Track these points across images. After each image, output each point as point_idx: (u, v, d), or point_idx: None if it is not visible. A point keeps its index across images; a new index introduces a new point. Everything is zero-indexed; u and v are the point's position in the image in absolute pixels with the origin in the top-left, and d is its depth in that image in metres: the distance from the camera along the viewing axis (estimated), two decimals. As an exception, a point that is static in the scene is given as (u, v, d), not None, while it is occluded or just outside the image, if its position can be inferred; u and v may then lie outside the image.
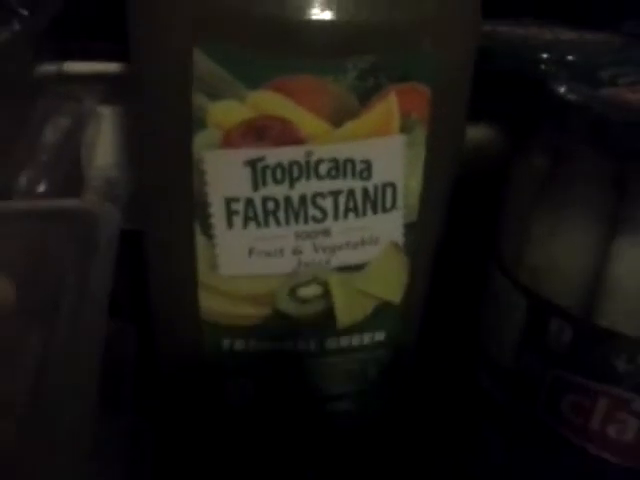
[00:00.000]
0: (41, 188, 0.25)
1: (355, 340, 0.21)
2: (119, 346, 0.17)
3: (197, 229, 0.19)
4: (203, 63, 0.16)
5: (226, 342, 0.20)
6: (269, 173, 0.18)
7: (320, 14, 0.16)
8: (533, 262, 0.17)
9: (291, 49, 0.16)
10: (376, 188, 0.18)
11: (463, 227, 0.21)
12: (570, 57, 0.22)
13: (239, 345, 0.20)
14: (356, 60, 0.17)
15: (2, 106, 0.27)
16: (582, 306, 0.16)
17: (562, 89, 0.16)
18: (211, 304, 0.20)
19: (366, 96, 0.17)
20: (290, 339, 0.20)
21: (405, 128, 0.18)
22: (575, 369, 0.16)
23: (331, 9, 0.16)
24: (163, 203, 0.19)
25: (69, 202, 0.16)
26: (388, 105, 0.17)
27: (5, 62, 0.27)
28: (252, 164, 0.17)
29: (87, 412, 0.13)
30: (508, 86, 0.21)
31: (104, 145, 0.33)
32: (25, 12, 0.29)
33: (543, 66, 0.21)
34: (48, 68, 0.31)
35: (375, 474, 0.23)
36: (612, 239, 0.15)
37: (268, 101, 0.17)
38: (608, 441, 0.16)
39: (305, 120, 0.17)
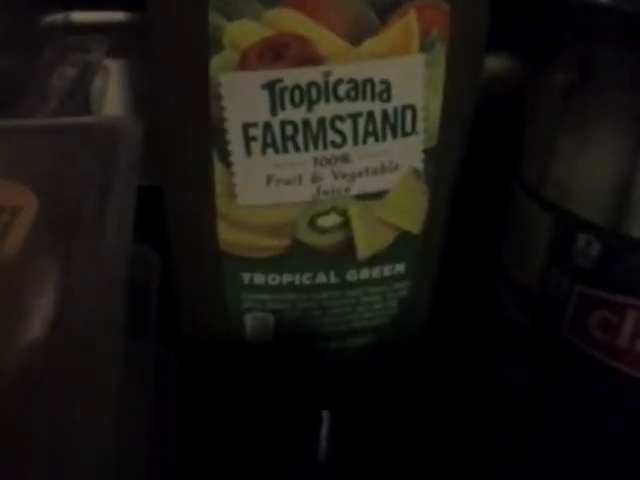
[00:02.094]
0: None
1: (375, 272, 0.21)
2: (143, 270, 0.17)
3: (215, 157, 0.18)
4: (218, -19, 0.16)
5: (246, 275, 0.20)
6: (287, 95, 0.17)
7: None
8: (560, 178, 0.16)
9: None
10: (396, 110, 0.18)
11: (484, 155, 0.20)
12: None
13: (259, 279, 0.20)
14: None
15: (9, 56, 0.27)
16: (611, 219, 0.16)
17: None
18: (230, 235, 0.19)
19: (385, 13, 0.17)
20: (310, 271, 0.20)
21: (425, 47, 0.17)
22: (603, 284, 0.16)
23: None
24: (180, 134, 0.19)
25: (90, 118, 0.16)
26: (408, 22, 0.17)
27: (9, 12, 0.27)
28: (270, 86, 0.17)
29: (115, 332, 0.13)
30: (528, 10, 0.20)
31: (111, 97, 0.32)
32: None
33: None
34: (55, 18, 0.30)
35: (394, 410, 0.23)
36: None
37: (285, 19, 0.16)
38: (636, 357, 0.16)
39: (323, 38, 0.17)
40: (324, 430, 0.23)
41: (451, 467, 0.20)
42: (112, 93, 0.32)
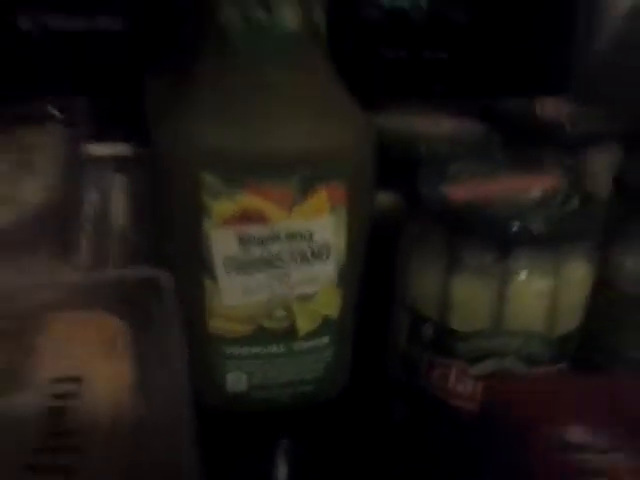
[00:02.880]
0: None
1: (310, 344, 0.32)
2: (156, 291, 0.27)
3: (205, 275, 0.29)
4: (209, 179, 0.27)
5: (226, 348, 0.31)
6: (252, 241, 0.29)
7: (277, 147, 0.27)
8: (410, 290, 0.28)
9: (260, 169, 0.27)
10: (318, 247, 0.30)
11: (375, 266, 0.32)
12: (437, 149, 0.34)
13: (235, 350, 0.31)
14: (299, 172, 0.28)
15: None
16: (440, 314, 0.27)
17: (418, 184, 0.28)
18: (216, 323, 0.30)
19: (307, 191, 0.28)
20: (267, 345, 0.31)
21: (332, 210, 0.29)
22: (439, 353, 0.28)
23: (284, 142, 0.28)
24: (180, 259, 0.30)
25: (130, 271, 0.26)
26: (320, 198, 0.29)
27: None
28: (241, 237, 0.28)
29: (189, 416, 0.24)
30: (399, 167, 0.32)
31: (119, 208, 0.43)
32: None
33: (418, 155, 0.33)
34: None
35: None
36: (451, 274, 0.27)
37: (248, 200, 0.28)
38: (459, 395, 0.28)
39: (270, 209, 0.28)
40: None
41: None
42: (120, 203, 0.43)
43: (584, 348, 0.31)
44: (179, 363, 0.22)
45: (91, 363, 0.22)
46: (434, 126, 0.37)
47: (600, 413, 0.19)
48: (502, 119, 0.41)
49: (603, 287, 0.31)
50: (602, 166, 0.39)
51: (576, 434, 0.17)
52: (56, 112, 0.38)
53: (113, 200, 0.42)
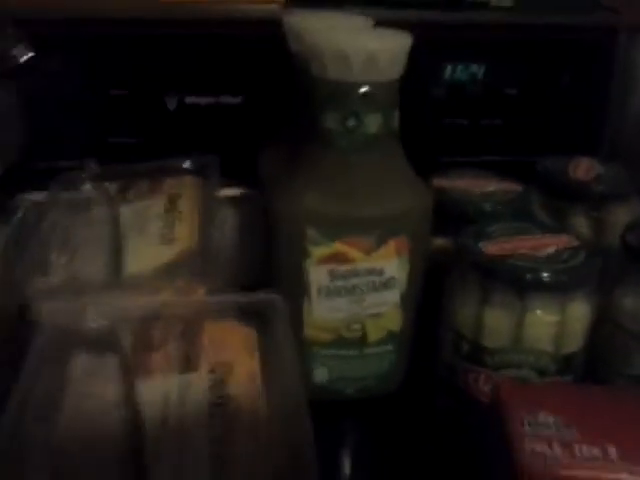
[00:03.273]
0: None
1: (377, 349, 0.43)
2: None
3: (304, 297, 0.41)
4: (311, 232, 0.39)
5: (315, 350, 0.42)
6: (338, 275, 0.40)
7: (360, 212, 0.38)
8: (454, 317, 0.39)
9: (348, 227, 0.39)
10: (386, 280, 0.40)
11: (429, 294, 0.43)
12: (482, 208, 0.44)
13: (322, 351, 0.42)
14: (376, 230, 0.39)
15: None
16: (473, 335, 0.38)
17: (461, 239, 0.38)
18: (309, 332, 0.42)
19: (380, 243, 0.39)
20: (345, 349, 0.42)
21: (398, 255, 0.40)
22: (472, 363, 0.38)
23: (365, 210, 0.39)
24: (285, 285, 0.41)
25: (252, 296, 0.37)
26: (390, 247, 0.39)
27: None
28: (331, 272, 0.40)
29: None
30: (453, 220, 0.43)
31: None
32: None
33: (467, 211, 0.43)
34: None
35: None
36: (483, 307, 0.37)
37: (338, 247, 0.39)
38: (484, 393, 0.38)
39: (353, 254, 0.39)
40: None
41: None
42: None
43: (593, 366, 0.41)
44: (292, 362, 0.33)
45: (236, 355, 0.33)
46: (482, 187, 0.47)
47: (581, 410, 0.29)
48: (541, 178, 0.51)
49: (608, 321, 0.41)
50: (623, 219, 0.49)
51: (547, 418, 0.27)
52: (193, 166, 0.50)
53: (229, 234, 0.54)
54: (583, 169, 0.51)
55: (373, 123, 0.37)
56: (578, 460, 0.25)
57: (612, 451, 0.25)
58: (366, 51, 0.36)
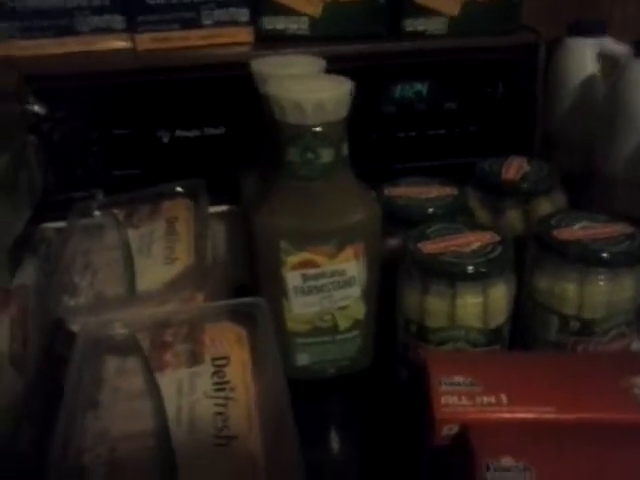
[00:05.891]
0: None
1: (347, 335, 0.53)
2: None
3: (284, 297, 0.50)
4: (284, 245, 0.48)
5: (296, 338, 0.52)
6: (309, 277, 0.49)
7: (322, 226, 0.48)
8: (403, 304, 0.48)
9: (313, 238, 0.48)
10: (348, 279, 0.50)
11: (386, 287, 0.52)
12: (425, 212, 0.54)
13: (301, 339, 0.52)
14: (334, 239, 0.48)
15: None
16: (419, 318, 0.47)
17: (405, 241, 0.48)
18: (290, 324, 0.51)
19: (340, 250, 0.49)
20: (321, 336, 0.52)
21: (355, 258, 0.49)
22: (419, 339, 0.48)
23: (325, 223, 0.48)
24: (266, 287, 0.51)
25: (237, 301, 0.47)
26: (348, 252, 0.49)
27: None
28: (304, 276, 0.49)
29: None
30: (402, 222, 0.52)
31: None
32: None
33: (413, 215, 0.52)
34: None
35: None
36: (424, 295, 0.47)
37: (307, 255, 0.49)
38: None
39: (320, 259, 0.49)
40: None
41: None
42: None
43: (520, 335, 0.51)
44: (274, 352, 0.42)
45: (231, 349, 0.43)
46: (426, 193, 0.56)
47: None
48: (478, 179, 0.60)
49: (529, 298, 0.51)
50: (548, 210, 0.58)
51: (459, 379, 0.36)
52: (184, 190, 0.59)
53: (218, 244, 0.63)
54: (513, 169, 0.61)
55: (327, 155, 0.47)
56: (478, 407, 0.35)
57: (503, 398, 0.35)
58: (316, 100, 0.45)
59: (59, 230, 0.58)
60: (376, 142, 0.63)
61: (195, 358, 0.43)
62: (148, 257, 0.51)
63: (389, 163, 0.64)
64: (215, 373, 0.41)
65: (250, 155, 0.58)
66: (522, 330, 0.52)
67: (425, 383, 0.38)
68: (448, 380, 0.37)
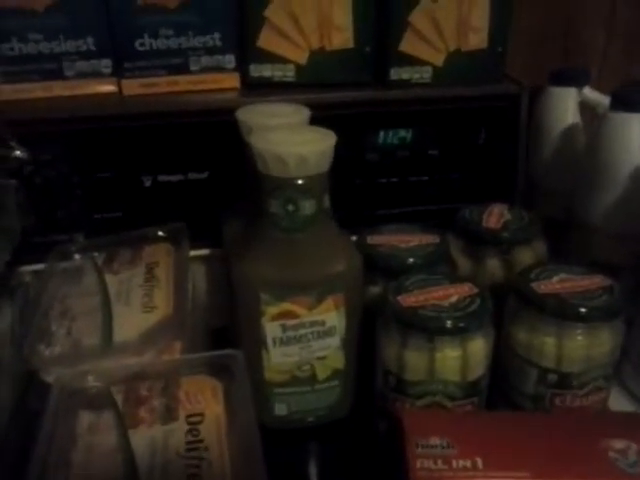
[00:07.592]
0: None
1: (325, 385, 0.52)
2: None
3: (263, 347, 0.50)
4: (264, 296, 0.48)
5: (274, 389, 0.52)
6: (289, 328, 0.49)
7: (302, 277, 0.48)
8: (383, 355, 0.48)
9: (293, 290, 0.48)
10: (327, 329, 0.50)
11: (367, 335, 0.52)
12: (405, 262, 0.54)
13: (279, 389, 0.52)
14: (315, 290, 0.48)
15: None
16: (398, 370, 0.47)
17: (383, 293, 0.48)
18: (268, 374, 0.51)
19: (320, 300, 0.49)
20: (299, 386, 0.52)
21: (336, 309, 0.49)
22: (398, 392, 0.48)
23: (306, 275, 0.48)
24: (246, 337, 0.51)
25: (216, 353, 0.47)
26: (328, 303, 0.49)
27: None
28: (283, 326, 0.49)
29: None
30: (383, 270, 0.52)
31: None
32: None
33: (393, 264, 0.52)
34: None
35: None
36: (403, 349, 0.47)
37: (286, 306, 0.48)
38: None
39: (299, 310, 0.49)
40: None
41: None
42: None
43: (498, 385, 0.51)
44: (248, 406, 0.42)
45: (207, 405, 0.43)
46: (406, 242, 0.56)
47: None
48: (459, 227, 0.61)
49: (508, 349, 0.51)
50: (528, 259, 0.58)
51: (435, 441, 0.36)
52: (166, 234, 0.59)
53: (199, 287, 0.63)
54: (494, 217, 0.61)
55: (308, 207, 0.47)
56: (453, 471, 0.35)
57: (479, 462, 0.35)
58: (299, 155, 0.46)
59: (37, 273, 0.58)
60: (359, 188, 0.64)
61: (170, 414, 0.42)
62: (126, 304, 0.50)
63: (372, 209, 0.65)
64: (189, 431, 0.40)
65: (233, 199, 0.58)
66: (500, 381, 0.52)
67: (401, 442, 0.38)
68: (424, 442, 0.37)
